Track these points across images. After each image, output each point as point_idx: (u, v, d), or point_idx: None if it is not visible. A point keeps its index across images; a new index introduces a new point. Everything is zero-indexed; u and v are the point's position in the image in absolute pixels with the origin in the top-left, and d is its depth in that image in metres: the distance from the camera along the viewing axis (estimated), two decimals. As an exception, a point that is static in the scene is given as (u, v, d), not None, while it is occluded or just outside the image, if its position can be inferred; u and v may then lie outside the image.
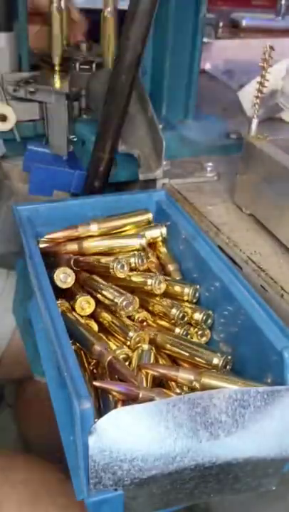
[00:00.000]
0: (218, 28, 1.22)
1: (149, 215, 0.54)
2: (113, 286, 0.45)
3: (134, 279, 0.47)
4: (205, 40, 0.85)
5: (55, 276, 0.46)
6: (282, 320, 0.39)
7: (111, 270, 0.45)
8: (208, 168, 0.63)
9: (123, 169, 0.62)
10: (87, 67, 0.65)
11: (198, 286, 0.47)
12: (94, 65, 0.65)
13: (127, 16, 0.47)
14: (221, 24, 1.23)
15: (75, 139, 0.64)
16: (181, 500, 0.37)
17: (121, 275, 0.46)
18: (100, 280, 0.46)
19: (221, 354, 0.40)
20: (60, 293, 0.46)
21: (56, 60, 0.63)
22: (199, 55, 0.69)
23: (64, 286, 0.46)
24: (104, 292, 0.45)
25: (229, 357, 0.41)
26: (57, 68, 0.63)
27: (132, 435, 0.31)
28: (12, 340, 0.79)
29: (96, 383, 0.36)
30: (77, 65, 0.64)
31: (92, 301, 0.45)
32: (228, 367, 0.41)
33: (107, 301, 0.45)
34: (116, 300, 0.43)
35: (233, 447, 0.34)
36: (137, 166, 0.58)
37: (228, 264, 0.46)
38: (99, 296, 0.45)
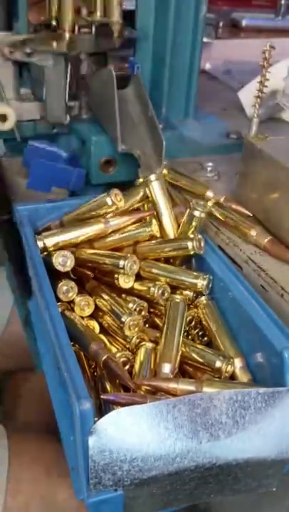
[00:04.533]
0: (218, 28, 1.22)
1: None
2: (120, 302, 0.44)
3: (136, 287, 0.46)
4: (205, 40, 0.84)
5: (54, 259, 0.44)
6: (282, 320, 0.39)
7: (116, 281, 0.45)
8: (208, 168, 0.63)
9: (123, 169, 0.62)
10: (87, 30, 0.62)
11: (211, 277, 0.46)
12: (94, 28, 0.62)
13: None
14: (221, 24, 1.24)
15: (73, 106, 0.62)
16: (181, 500, 0.37)
17: (125, 286, 0.46)
18: (108, 293, 0.46)
19: (223, 357, 0.40)
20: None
21: (66, 26, 0.60)
22: (199, 55, 0.69)
23: (64, 269, 0.44)
24: (110, 306, 0.44)
25: (232, 359, 0.41)
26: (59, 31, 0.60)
27: (132, 436, 0.31)
28: (5, 332, 0.80)
29: (103, 396, 0.36)
30: (77, 27, 0.62)
31: (92, 302, 0.45)
32: (230, 368, 0.40)
33: (111, 319, 0.44)
34: (123, 319, 0.42)
35: (234, 448, 0.34)
36: (137, 165, 0.58)
37: (227, 263, 0.46)
38: (104, 308, 0.45)
